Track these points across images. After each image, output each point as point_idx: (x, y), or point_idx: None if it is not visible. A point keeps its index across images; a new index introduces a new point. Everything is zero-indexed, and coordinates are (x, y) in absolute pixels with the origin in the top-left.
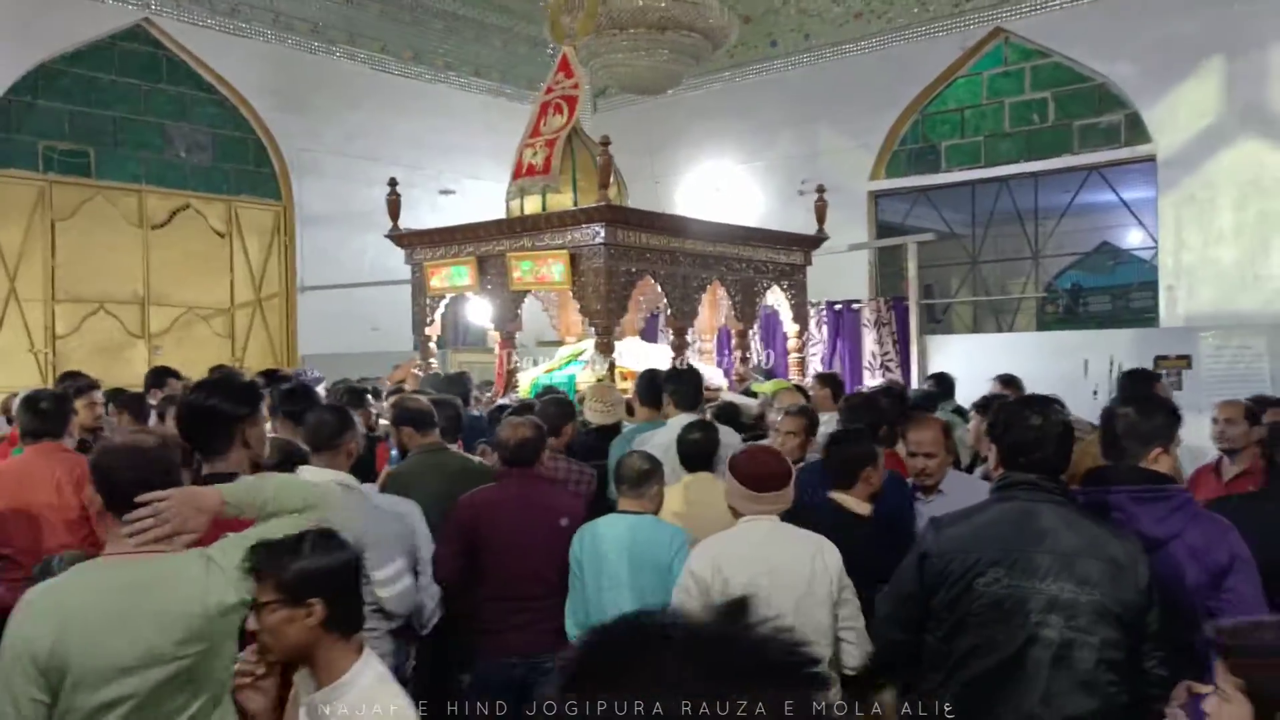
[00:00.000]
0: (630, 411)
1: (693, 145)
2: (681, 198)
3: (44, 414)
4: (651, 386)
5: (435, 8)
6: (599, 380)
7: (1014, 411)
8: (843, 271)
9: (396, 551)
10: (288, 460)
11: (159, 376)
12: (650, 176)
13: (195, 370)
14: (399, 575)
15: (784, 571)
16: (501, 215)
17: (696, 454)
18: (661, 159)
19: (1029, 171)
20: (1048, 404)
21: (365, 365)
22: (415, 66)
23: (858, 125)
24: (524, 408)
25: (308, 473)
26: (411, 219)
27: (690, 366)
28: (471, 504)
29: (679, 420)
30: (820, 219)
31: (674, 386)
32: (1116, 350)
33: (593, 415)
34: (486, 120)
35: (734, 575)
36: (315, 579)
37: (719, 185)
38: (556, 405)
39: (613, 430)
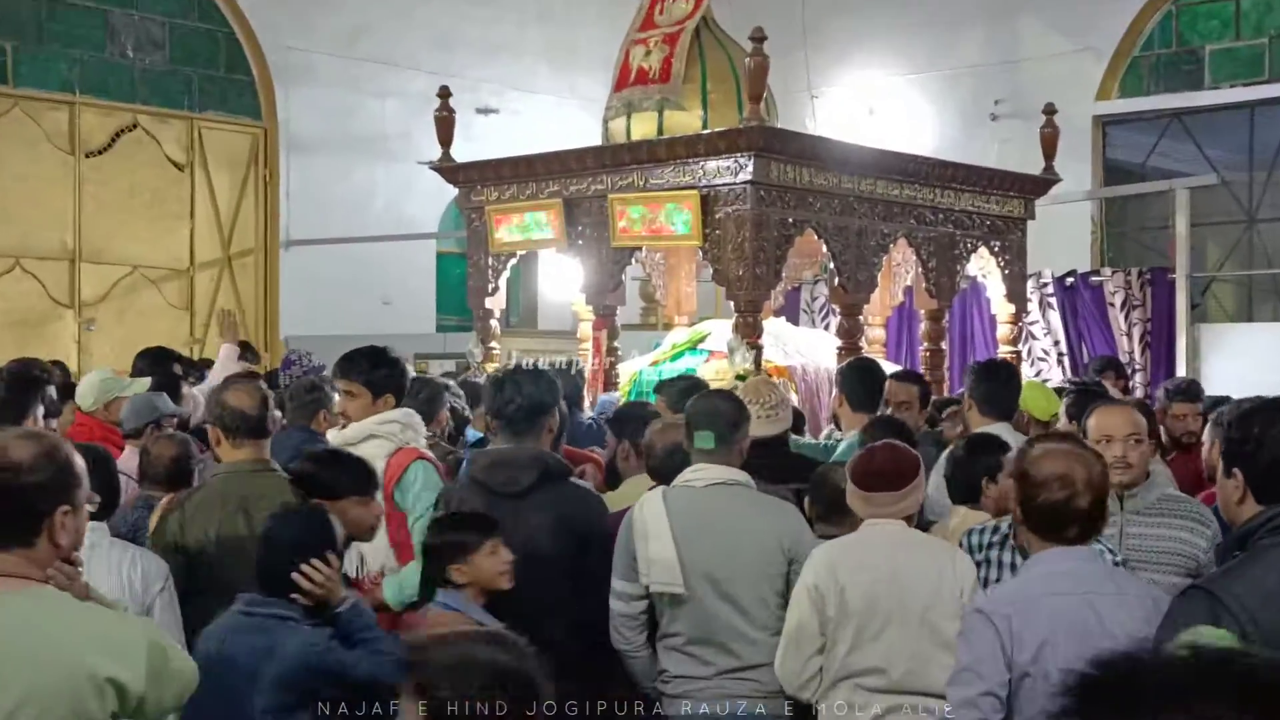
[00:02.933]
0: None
1: (837, 48)
2: (822, 121)
3: None
4: (867, 383)
5: None
6: (740, 376)
7: (1270, 418)
8: (1053, 231)
9: None
10: None
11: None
12: (801, 88)
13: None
14: None
15: (908, 578)
16: (593, 141)
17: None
18: (791, 66)
19: None
20: None
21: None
22: None
23: (1077, 20)
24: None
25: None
26: (435, 148)
27: (1005, 361)
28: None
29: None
30: (1049, 152)
31: (987, 386)
32: None
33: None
34: (543, 6)
35: (851, 582)
36: None
37: (873, 105)
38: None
39: (774, 445)
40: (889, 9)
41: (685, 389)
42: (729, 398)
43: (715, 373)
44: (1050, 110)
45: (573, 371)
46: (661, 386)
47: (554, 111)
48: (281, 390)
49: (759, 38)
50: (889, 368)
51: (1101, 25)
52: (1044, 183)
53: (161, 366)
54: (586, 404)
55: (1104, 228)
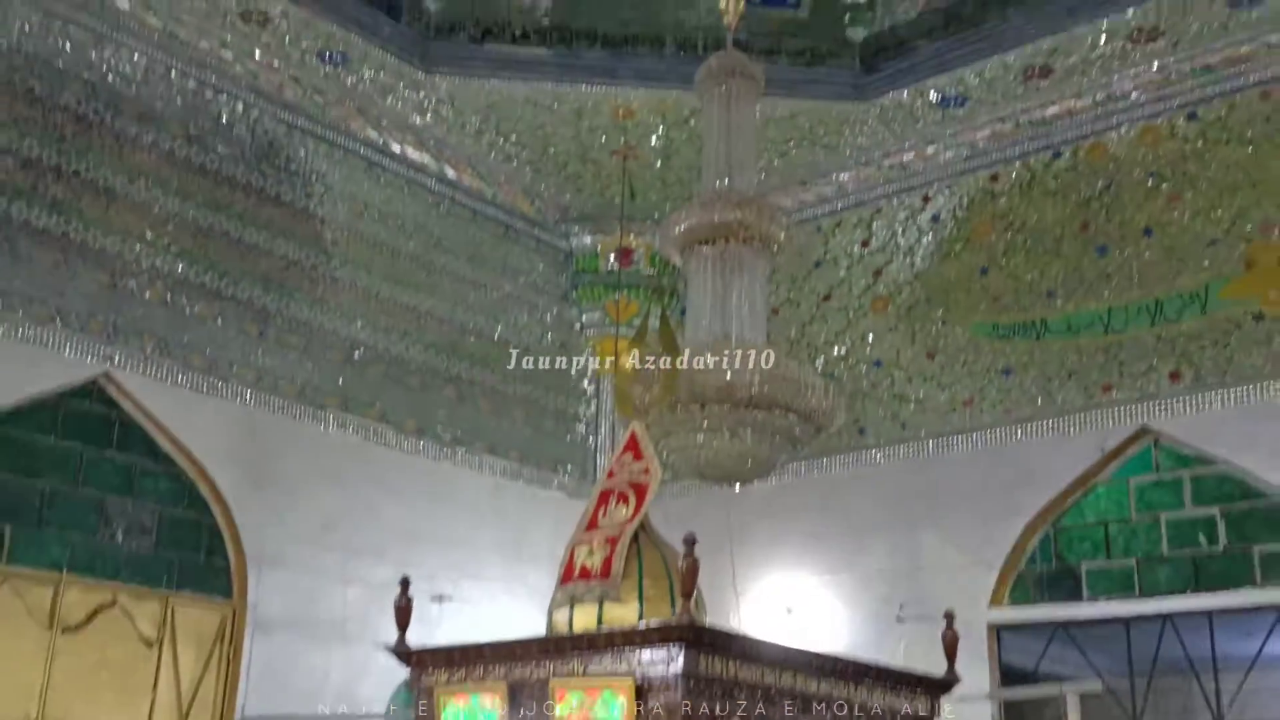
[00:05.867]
0: None
1: (757, 549)
2: (746, 617)
3: None
4: None
5: (447, 372)
6: None
7: None
8: None
9: None
10: None
11: None
12: (727, 584)
13: None
14: None
15: None
16: (538, 629)
17: None
18: (719, 565)
19: (1199, 609)
20: None
21: None
22: (416, 440)
23: (973, 536)
24: None
25: None
26: (391, 632)
27: None
28: None
29: None
30: (950, 655)
31: None
32: None
33: None
34: (497, 506)
35: None
36: None
37: (792, 604)
38: None
39: None
40: (807, 515)
41: None
42: None
43: None
44: (950, 616)
45: None
46: None
47: (503, 600)
48: None
49: (691, 541)
50: None
51: (992, 540)
52: (946, 683)
53: None
54: None
55: None
